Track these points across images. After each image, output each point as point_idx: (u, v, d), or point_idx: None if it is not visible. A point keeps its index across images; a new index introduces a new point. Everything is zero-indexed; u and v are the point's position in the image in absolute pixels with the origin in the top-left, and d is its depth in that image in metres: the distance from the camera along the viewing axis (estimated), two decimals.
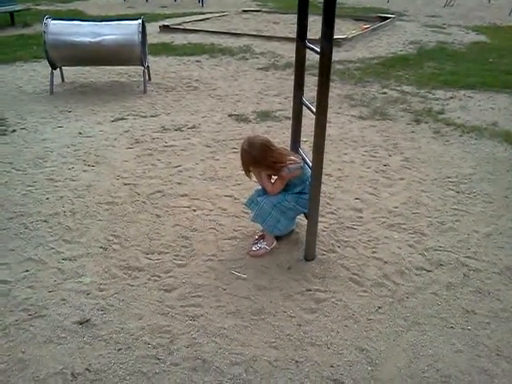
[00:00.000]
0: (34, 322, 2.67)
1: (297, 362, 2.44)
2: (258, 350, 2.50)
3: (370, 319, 2.73)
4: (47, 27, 6.61)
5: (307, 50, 3.28)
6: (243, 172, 3.24)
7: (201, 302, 2.86)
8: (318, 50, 2.73)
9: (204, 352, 2.49)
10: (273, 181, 3.31)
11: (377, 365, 2.42)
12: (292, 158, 3.17)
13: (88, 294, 2.90)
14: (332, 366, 2.41)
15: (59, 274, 3.08)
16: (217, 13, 15.09)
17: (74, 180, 4.36)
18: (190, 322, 2.69)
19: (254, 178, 3.34)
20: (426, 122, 5.89)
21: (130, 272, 3.11)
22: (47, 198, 4.02)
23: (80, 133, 5.50)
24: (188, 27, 12.20)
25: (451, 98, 6.86)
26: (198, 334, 2.61)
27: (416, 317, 2.75)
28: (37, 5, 16.06)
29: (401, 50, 9.98)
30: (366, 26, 12.12)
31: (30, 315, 2.72)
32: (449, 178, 4.47)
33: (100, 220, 3.72)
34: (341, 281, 3.05)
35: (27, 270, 3.10)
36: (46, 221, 3.69)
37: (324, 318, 2.74)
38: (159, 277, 3.07)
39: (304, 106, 3.42)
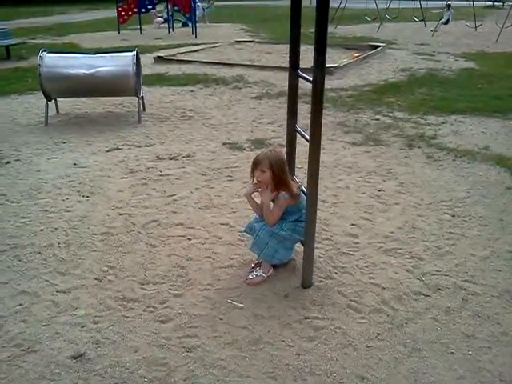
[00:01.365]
0: (27, 357, 2.61)
1: None
2: (257, 381, 2.45)
3: (370, 346, 2.69)
4: (42, 60, 6.69)
5: (300, 79, 3.33)
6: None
7: (197, 332, 2.81)
8: (311, 78, 2.77)
9: None
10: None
11: None
12: (293, 186, 3.18)
13: (83, 326, 2.85)
14: None
15: (53, 306, 3.03)
16: (210, 44, 15.34)
17: (68, 211, 4.34)
18: (186, 354, 2.64)
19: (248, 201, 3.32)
20: (419, 147, 5.94)
21: (125, 303, 3.07)
22: (41, 230, 3.99)
23: (75, 163, 5.51)
24: (182, 58, 12.38)
25: (443, 123, 6.94)
26: (195, 365, 2.56)
27: (416, 343, 2.71)
28: (32, 38, 16.30)
29: (392, 77, 10.14)
30: (357, 55, 12.34)
31: (22, 350, 2.66)
32: (443, 201, 4.48)
33: (95, 251, 3.68)
34: (339, 308, 3.02)
35: (20, 304, 3.05)
36: (40, 252, 3.65)
37: (323, 347, 2.69)
38: (155, 307, 3.02)
39: (298, 134, 3.45)
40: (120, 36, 17.77)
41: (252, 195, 3.30)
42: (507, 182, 4.88)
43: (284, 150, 3.67)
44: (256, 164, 3.15)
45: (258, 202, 3.32)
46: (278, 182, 3.13)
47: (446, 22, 20.09)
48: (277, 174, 3.10)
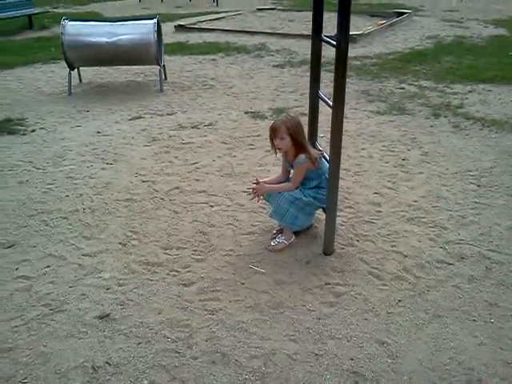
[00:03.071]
0: (56, 316, 2.70)
1: (316, 355, 2.42)
2: (277, 344, 2.49)
3: (390, 312, 2.70)
4: (65, 29, 6.69)
5: (323, 47, 3.26)
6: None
7: (219, 296, 2.85)
8: (334, 42, 2.71)
9: (223, 346, 2.49)
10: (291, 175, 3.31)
11: (397, 358, 2.39)
12: (312, 150, 3.17)
13: (108, 289, 2.92)
14: (352, 359, 2.39)
15: (79, 269, 3.11)
16: (231, 12, 15.12)
17: (92, 178, 4.40)
18: (208, 316, 2.69)
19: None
20: (444, 117, 5.82)
21: (148, 267, 3.12)
22: (67, 196, 4.07)
23: (98, 132, 5.55)
24: (203, 26, 12.25)
25: (470, 91, 6.76)
26: (216, 327, 2.61)
27: (437, 310, 2.71)
28: (54, 8, 16.27)
29: (418, 45, 9.87)
30: (382, 22, 12.02)
31: (51, 310, 2.74)
32: (469, 171, 4.41)
33: (119, 217, 3.74)
34: (360, 274, 3.02)
35: (48, 266, 3.14)
36: (65, 218, 3.73)
37: (343, 312, 2.71)
38: (178, 272, 3.08)
39: (321, 101, 3.40)
40: (141, 4, 17.61)
41: (265, 183, 3.30)
42: None
43: (306, 118, 3.63)
44: (274, 131, 3.13)
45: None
46: (298, 145, 3.12)
47: None
48: (295, 138, 3.09)
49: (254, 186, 3.24)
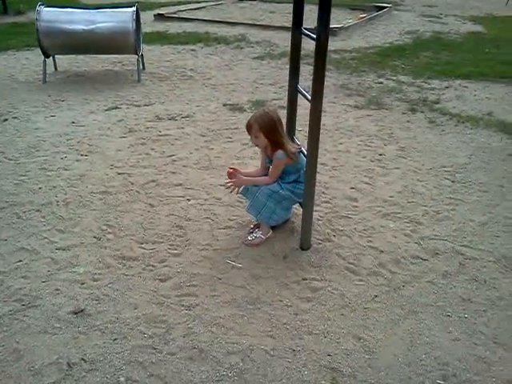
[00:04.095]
0: (28, 312, 2.64)
1: (294, 350, 2.43)
2: (255, 339, 2.49)
3: (367, 308, 2.72)
4: (40, 14, 6.53)
5: (303, 40, 3.24)
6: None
7: (196, 291, 2.83)
8: (314, 36, 2.69)
9: (200, 341, 2.47)
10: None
11: (374, 353, 2.42)
12: (290, 145, 3.16)
13: (82, 283, 2.88)
14: (329, 355, 2.40)
15: (53, 263, 3.05)
16: (212, 1, 14.96)
17: (66, 169, 4.31)
18: (185, 312, 2.67)
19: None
20: (421, 112, 5.87)
21: (124, 262, 3.08)
22: (40, 188, 3.98)
23: (73, 122, 5.44)
24: (183, 16, 12.09)
25: (447, 87, 6.83)
26: (193, 323, 2.59)
27: (412, 305, 2.74)
28: None
29: (397, 40, 9.93)
30: (362, 16, 12.05)
31: (23, 305, 2.69)
32: (444, 167, 4.46)
33: (93, 210, 3.68)
34: (337, 270, 3.03)
35: (20, 260, 3.07)
36: (38, 210, 3.65)
37: (320, 307, 2.72)
38: (154, 266, 3.04)
39: (299, 94, 3.38)
40: None
41: (242, 177, 3.27)
42: (509, 148, 4.84)
43: (285, 111, 3.62)
44: (248, 129, 3.13)
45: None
46: (273, 141, 3.10)
47: None
48: (270, 135, 3.07)
49: (231, 171, 3.21)
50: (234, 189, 3.25)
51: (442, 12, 13.52)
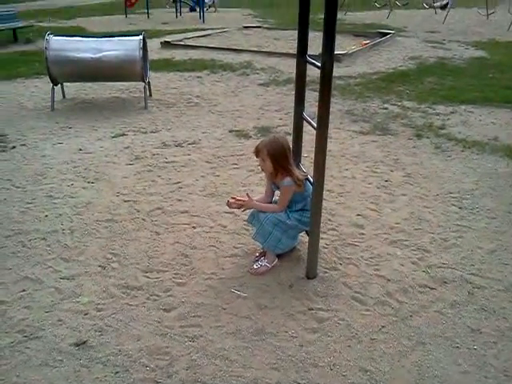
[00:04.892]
0: (30, 343, 2.62)
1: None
2: (259, 372, 2.44)
3: (374, 339, 2.67)
4: (49, 43, 6.65)
5: (308, 66, 3.27)
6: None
7: (200, 321, 2.80)
8: (319, 64, 2.72)
9: (204, 374, 2.43)
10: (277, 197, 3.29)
11: None
12: (297, 172, 3.15)
13: (85, 314, 2.85)
14: None
15: (56, 293, 3.03)
16: (218, 29, 15.20)
17: (73, 197, 4.33)
18: (189, 343, 2.63)
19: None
20: (427, 137, 5.87)
21: (128, 291, 3.06)
22: (46, 216, 3.99)
23: (80, 149, 5.49)
24: (189, 43, 12.28)
25: (452, 112, 6.84)
26: (197, 355, 2.55)
27: (420, 336, 2.69)
28: (39, 21, 16.22)
29: (401, 66, 10.00)
30: (366, 42, 12.18)
31: (25, 337, 2.66)
32: (451, 193, 4.43)
33: (99, 238, 3.67)
34: (343, 299, 2.99)
35: (24, 290, 3.05)
36: (44, 238, 3.65)
37: (326, 338, 2.68)
38: (158, 296, 3.02)
39: (305, 121, 3.40)
40: (127, 20, 17.63)
41: (252, 200, 3.28)
42: None
43: (290, 137, 3.63)
44: (256, 153, 3.15)
45: (256, 197, 3.37)
46: (281, 169, 3.10)
47: (445, 6, 19.75)
48: (277, 161, 3.08)
49: (232, 201, 3.23)
50: (237, 207, 3.24)
51: (444, 38, 13.64)
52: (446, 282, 3.16)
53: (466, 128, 6.20)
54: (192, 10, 20.85)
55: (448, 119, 6.54)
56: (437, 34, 14.37)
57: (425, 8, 19.85)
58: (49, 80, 6.97)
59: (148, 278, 3.20)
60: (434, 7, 18.83)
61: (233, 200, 3.24)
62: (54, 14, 18.98)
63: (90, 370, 2.45)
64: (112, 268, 3.30)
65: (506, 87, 8.03)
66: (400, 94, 7.79)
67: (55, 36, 6.84)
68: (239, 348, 2.60)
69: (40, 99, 7.50)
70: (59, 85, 7.32)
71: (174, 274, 3.24)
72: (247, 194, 3.28)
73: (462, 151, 5.43)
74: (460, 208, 4.15)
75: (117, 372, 2.43)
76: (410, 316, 2.85)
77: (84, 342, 2.61)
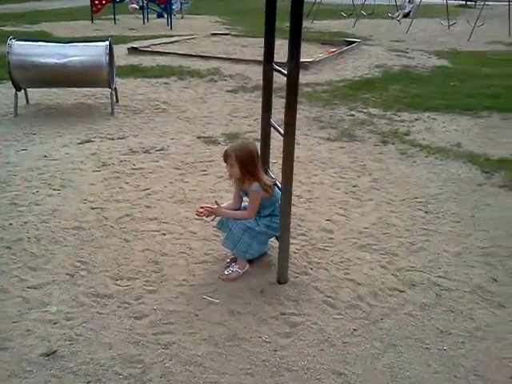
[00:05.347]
0: None
1: None
2: (234, 378, 2.44)
3: (346, 342, 2.70)
4: (11, 48, 6.49)
5: (275, 73, 3.31)
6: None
7: (173, 328, 2.77)
8: (285, 71, 2.75)
9: (178, 381, 2.40)
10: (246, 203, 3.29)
11: None
12: (265, 178, 3.17)
13: (55, 323, 2.78)
14: None
15: (24, 303, 2.95)
16: (185, 35, 15.15)
17: (38, 204, 4.22)
18: (162, 351, 2.60)
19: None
20: (392, 144, 6.00)
21: (98, 299, 3.00)
22: (10, 224, 3.88)
23: (45, 156, 5.37)
24: (156, 49, 12.20)
25: (416, 119, 7.02)
26: (170, 362, 2.52)
27: (392, 338, 2.74)
28: (2, 26, 15.80)
29: (367, 74, 10.20)
30: (332, 50, 12.37)
31: None
32: (417, 198, 4.54)
33: (66, 246, 3.60)
34: (315, 303, 3.02)
35: None
36: (9, 247, 3.54)
37: (299, 343, 2.69)
38: (129, 304, 2.97)
39: (272, 128, 3.43)
40: (93, 26, 17.37)
41: (221, 208, 3.28)
42: (478, 179, 4.96)
43: (259, 144, 3.65)
44: (225, 157, 3.16)
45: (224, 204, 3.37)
46: (248, 174, 3.11)
47: (407, 15, 20.52)
48: (245, 167, 3.09)
49: (200, 210, 3.21)
50: (206, 215, 3.23)
51: (408, 47, 13.99)
52: (414, 285, 3.23)
53: (430, 134, 6.37)
54: (159, 16, 20.71)
55: (412, 126, 6.71)
56: (401, 43, 14.73)
57: (390, 18, 20.31)
58: (11, 85, 6.80)
59: (118, 285, 3.15)
60: (398, 20, 19.34)
61: (202, 209, 3.23)
62: (19, 18, 18.55)
63: (61, 380, 2.39)
64: (81, 276, 3.23)
65: (467, 95, 8.29)
66: (366, 102, 7.94)
67: (18, 41, 6.69)
68: (213, 354, 2.59)
69: (2, 105, 7.31)
70: (22, 90, 7.15)
71: (145, 281, 3.20)
72: (216, 202, 3.28)
73: (427, 157, 5.58)
74: (426, 212, 4.26)
75: (89, 381, 2.38)
76: (381, 319, 2.90)
77: (54, 352, 2.55)
